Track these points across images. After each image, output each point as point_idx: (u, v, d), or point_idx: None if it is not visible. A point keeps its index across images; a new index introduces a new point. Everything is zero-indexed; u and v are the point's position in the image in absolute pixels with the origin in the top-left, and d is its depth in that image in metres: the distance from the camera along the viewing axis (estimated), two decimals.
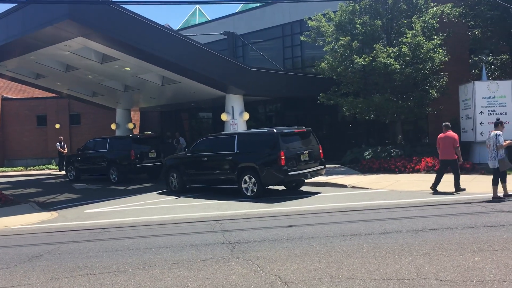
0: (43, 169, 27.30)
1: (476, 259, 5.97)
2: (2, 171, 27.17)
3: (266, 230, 8.53)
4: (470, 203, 10.18)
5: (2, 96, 29.94)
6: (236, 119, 19.66)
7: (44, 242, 8.64)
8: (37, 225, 11.00)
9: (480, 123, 16.77)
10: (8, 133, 30.07)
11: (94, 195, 15.79)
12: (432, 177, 14.78)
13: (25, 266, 6.88)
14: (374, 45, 17.84)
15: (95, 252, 7.54)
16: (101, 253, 7.42)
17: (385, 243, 6.93)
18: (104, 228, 9.81)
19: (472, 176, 14.40)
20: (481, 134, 16.75)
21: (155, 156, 19.47)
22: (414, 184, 13.54)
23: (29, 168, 27.73)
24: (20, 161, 29.82)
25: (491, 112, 16.75)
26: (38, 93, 30.11)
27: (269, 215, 10.21)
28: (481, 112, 16.84)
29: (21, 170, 27.19)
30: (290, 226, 8.71)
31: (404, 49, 17.25)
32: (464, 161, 16.20)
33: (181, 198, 13.86)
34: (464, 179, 13.82)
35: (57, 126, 29.57)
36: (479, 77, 17.95)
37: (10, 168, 28.04)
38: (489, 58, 18.92)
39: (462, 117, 17.93)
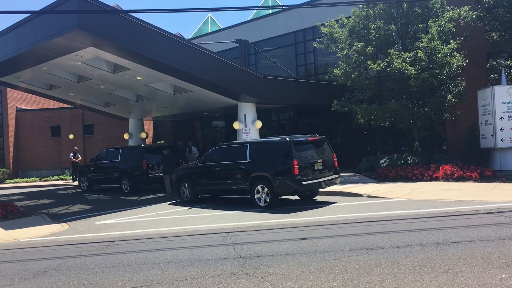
0: (57, 180, 27.39)
1: (503, 275, 5.57)
2: (17, 182, 27.35)
3: (279, 243, 8.20)
4: (492, 213, 9.72)
5: (16, 107, 30.18)
6: (248, 127, 19.39)
7: (51, 257, 8.43)
8: (46, 237, 10.84)
9: (501, 129, 16.23)
10: (22, 144, 30.25)
11: (106, 206, 15.63)
12: (451, 185, 14.40)
13: (29, 283, 6.65)
14: (389, 51, 17.47)
15: (101, 267, 7.29)
16: (107, 269, 7.17)
17: (404, 258, 6.55)
18: (113, 241, 9.58)
19: (493, 184, 13.88)
20: (501, 140, 16.23)
21: None
22: (433, 193, 13.06)
23: (43, 179, 27.81)
24: (35, 171, 29.97)
25: None
26: (53, 104, 30.33)
27: (282, 227, 9.87)
28: (501, 117, 16.31)
29: (35, 181, 27.28)
30: (304, 238, 8.37)
31: (420, 54, 16.82)
32: (485, 168, 15.76)
33: (193, 209, 13.60)
34: (485, 187, 13.38)
35: (71, 136, 29.70)
36: (498, 82, 17.44)
37: (24, 179, 28.18)
38: (508, 62, 18.38)
39: (481, 123, 17.40)
